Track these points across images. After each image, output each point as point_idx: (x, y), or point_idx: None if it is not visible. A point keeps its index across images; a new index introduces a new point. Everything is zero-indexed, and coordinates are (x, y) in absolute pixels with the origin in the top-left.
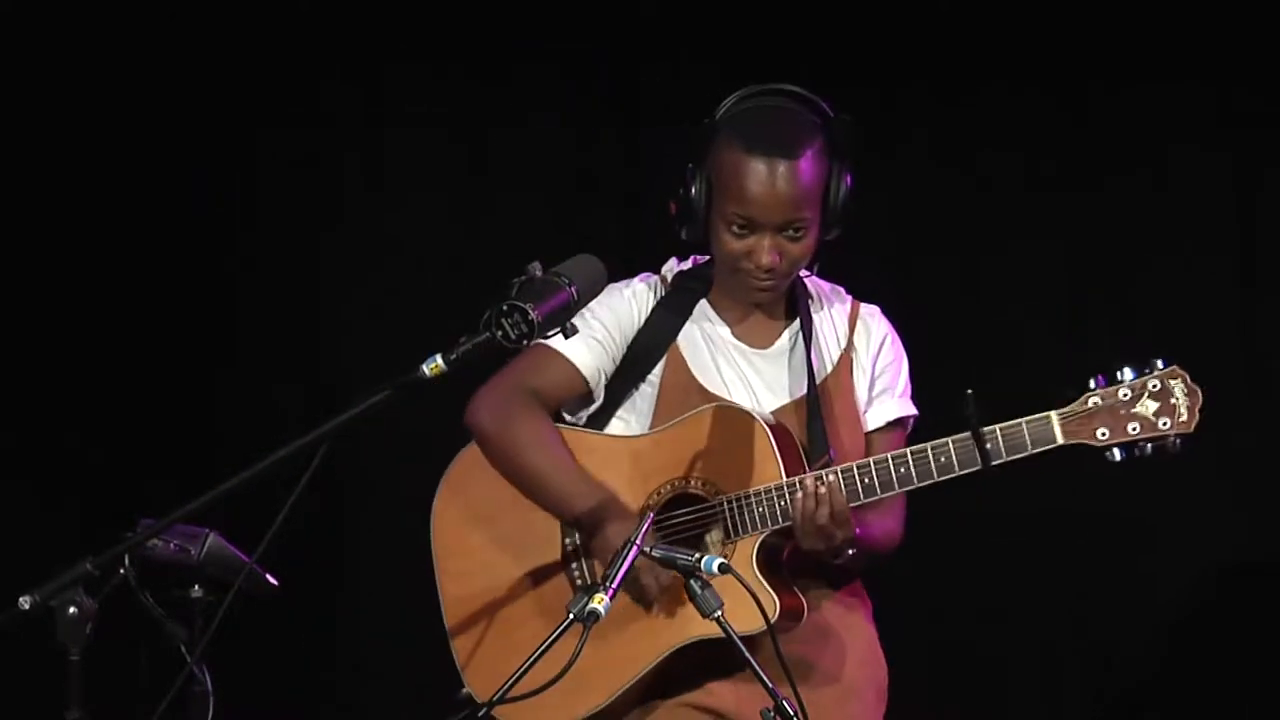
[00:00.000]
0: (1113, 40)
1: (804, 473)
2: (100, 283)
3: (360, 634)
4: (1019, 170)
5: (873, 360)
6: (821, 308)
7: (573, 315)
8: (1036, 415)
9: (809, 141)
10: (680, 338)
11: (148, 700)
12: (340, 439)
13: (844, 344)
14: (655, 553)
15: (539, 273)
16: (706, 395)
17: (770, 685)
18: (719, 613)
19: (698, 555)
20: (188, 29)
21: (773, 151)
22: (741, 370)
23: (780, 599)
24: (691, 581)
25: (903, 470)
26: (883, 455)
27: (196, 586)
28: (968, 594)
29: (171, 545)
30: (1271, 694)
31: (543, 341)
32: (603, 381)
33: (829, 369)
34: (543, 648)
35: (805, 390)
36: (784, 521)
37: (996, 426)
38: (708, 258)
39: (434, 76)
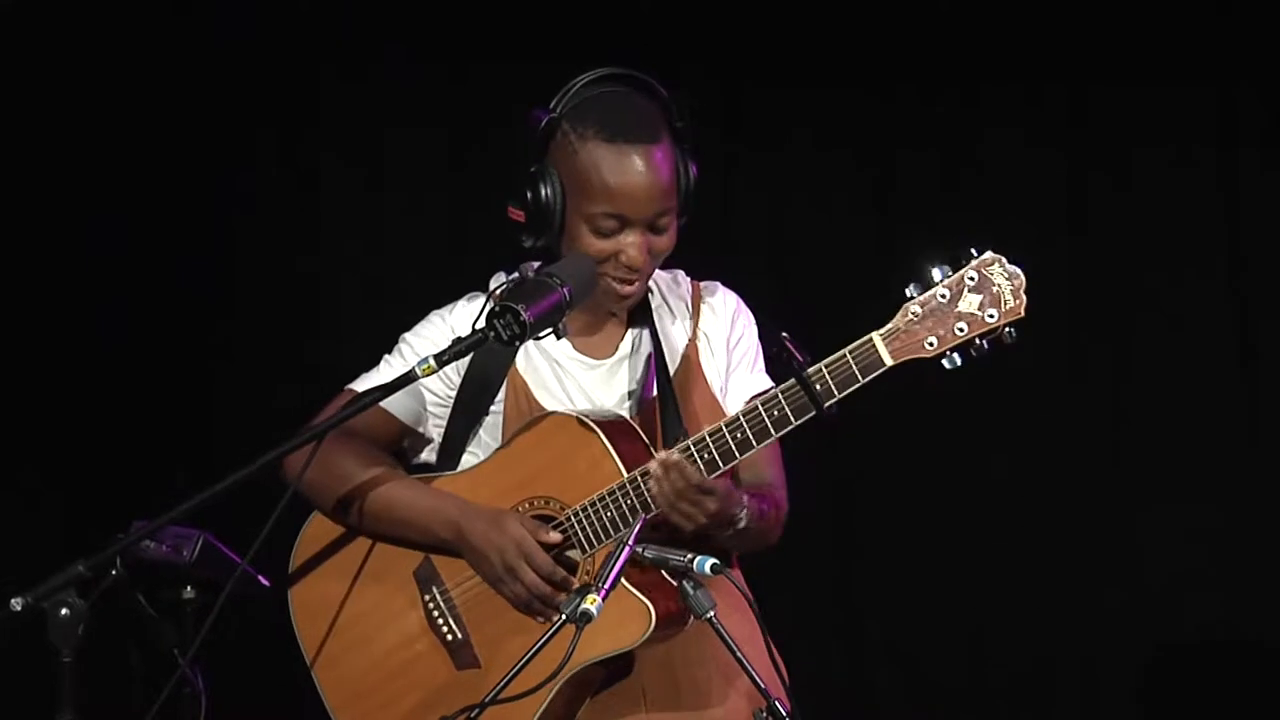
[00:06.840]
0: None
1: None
2: (95, 282)
3: None
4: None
5: (725, 340)
6: (663, 300)
7: (566, 316)
8: (858, 342)
9: (661, 126)
10: (519, 360)
11: (140, 702)
12: None
13: (690, 332)
14: (648, 554)
15: (532, 273)
16: None
17: (763, 685)
18: (712, 614)
19: (690, 556)
20: (188, 28)
21: (636, 139)
22: (584, 385)
23: (655, 605)
24: (684, 583)
25: (739, 435)
26: (716, 425)
27: (188, 588)
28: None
29: (164, 547)
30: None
31: (351, 387)
32: (429, 419)
33: (678, 363)
34: (531, 653)
35: (654, 393)
36: (634, 521)
37: (821, 365)
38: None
39: (433, 77)
